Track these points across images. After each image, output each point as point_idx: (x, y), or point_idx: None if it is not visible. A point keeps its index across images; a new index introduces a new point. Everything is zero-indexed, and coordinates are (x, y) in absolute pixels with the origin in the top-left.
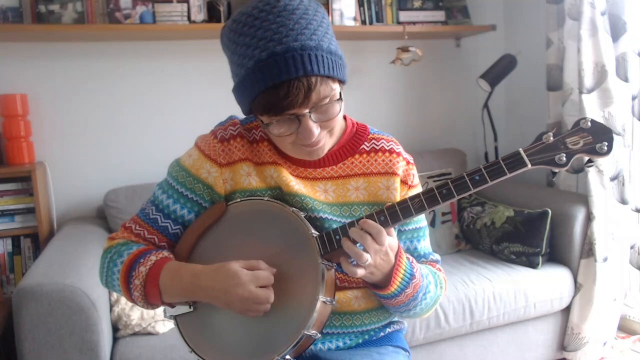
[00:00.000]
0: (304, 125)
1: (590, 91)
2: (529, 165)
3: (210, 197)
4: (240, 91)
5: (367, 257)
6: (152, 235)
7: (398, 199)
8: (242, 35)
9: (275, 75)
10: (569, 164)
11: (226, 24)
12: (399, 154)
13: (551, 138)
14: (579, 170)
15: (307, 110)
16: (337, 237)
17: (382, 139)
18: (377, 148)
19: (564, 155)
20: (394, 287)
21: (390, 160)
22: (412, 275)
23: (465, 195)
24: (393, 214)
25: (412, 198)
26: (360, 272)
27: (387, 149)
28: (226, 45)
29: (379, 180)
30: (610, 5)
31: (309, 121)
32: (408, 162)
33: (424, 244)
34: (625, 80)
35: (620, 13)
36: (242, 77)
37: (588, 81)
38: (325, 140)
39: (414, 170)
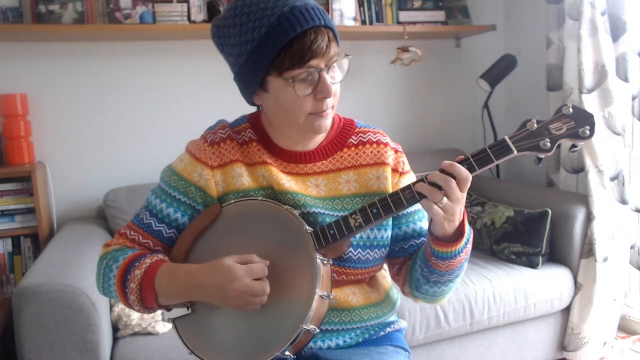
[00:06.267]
0: (322, 81)
1: (590, 91)
2: (515, 152)
3: (203, 199)
4: (257, 56)
5: (442, 198)
6: (147, 240)
7: (389, 187)
8: (252, 5)
9: (304, 22)
10: (553, 149)
11: (216, 17)
12: (386, 145)
13: (535, 125)
14: (579, 170)
15: (324, 66)
16: (332, 231)
17: (369, 131)
18: (365, 140)
19: (548, 140)
20: (461, 243)
21: (379, 152)
22: (468, 240)
23: None
24: (385, 206)
25: (403, 190)
26: (439, 211)
27: (374, 140)
28: (226, 26)
29: (369, 171)
30: (610, 5)
31: (327, 75)
32: (396, 151)
33: (426, 224)
34: (625, 80)
35: (620, 13)
36: (262, 37)
37: (588, 81)
38: (330, 112)
39: (403, 158)
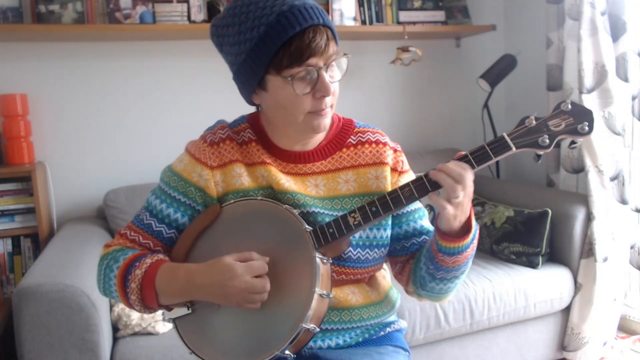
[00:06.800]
0: (321, 79)
1: (590, 91)
2: (514, 149)
3: (203, 200)
4: (256, 55)
5: (460, 194)
6: (147, 240)
7: (389, 187)
8: (252, 5)
9: (302, 21)
10: (552, 146)
11: (215, 17)
12: (385, 144)
13: (533, 122)
14: (579, 170)
15: (323, 64)
16: (331, 230)
17: (368, 131)
18: (364, 140)
19: (547, 137)
20: (468, 238)
21: (378, 151)
22: (475, 236)
23: None
24: (384, 204)
25: (402, 188)
26: (449, 207)
27: (373, 140)
28: (225, 25)
29: (368, 171)
30: (610, 5)
31: (325, 74)
32: (395, 150)
33: (427, 222)
34: (625, 80)
35: (620, 13)
36: (261, 36)
37: (588, 81)
38: (329, 112)
39: (402, 157)
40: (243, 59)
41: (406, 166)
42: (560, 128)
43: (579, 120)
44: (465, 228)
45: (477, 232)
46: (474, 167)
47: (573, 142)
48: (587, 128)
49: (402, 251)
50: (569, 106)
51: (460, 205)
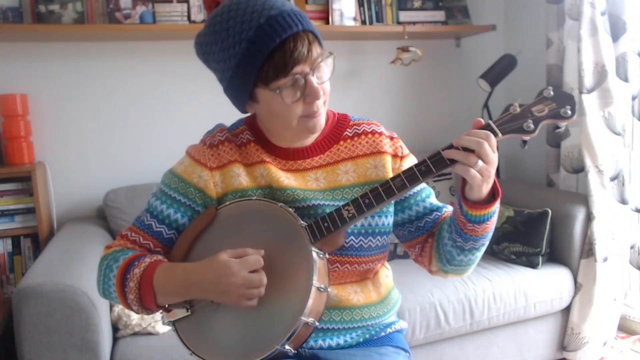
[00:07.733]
0: (309, 85)
1: (590, 91)
2: (500, 135)
3: (203, 200)
4: (242, 70)
5: (476, 160)
6: (147, 241)
7: (390, 174)
8: (230, 20)
9: (281, 32)
10: (537, 130)
11: (198, 34)
12: (381, 134)
13: (517, 108)
14: (579, 170)
15: (309, 69)
16: (326, 224)
17: (363, 123)
18: (359, 132)
19: (532, 122)
20: (494, 206)
21: (374, 141)
22: (497, 207)
23: (443, 170)
24: (377, 195)
25: (393, 178)
26: (478, 175)
27: (369, 131)
28: (208, 43)
29: (366, 161)
30: (610, 5)
31: (313, 79)
32: (392, 138)
33: (434, 199)
34: (625, 80)
35: (620, 13)
36: (243, 52)
37: (588, 81)
38: (322, 111)
39: (400, 143)
40: (230, 75)
41: (406, 150)
42: (544, 113)
43: (562, 104)
44: (491, 193)
45: (496, 210)
46: None
47: (557, 127)
48: (569, 112)
49: (418, 231)
50: (551, 92)
51: (485, 171)
